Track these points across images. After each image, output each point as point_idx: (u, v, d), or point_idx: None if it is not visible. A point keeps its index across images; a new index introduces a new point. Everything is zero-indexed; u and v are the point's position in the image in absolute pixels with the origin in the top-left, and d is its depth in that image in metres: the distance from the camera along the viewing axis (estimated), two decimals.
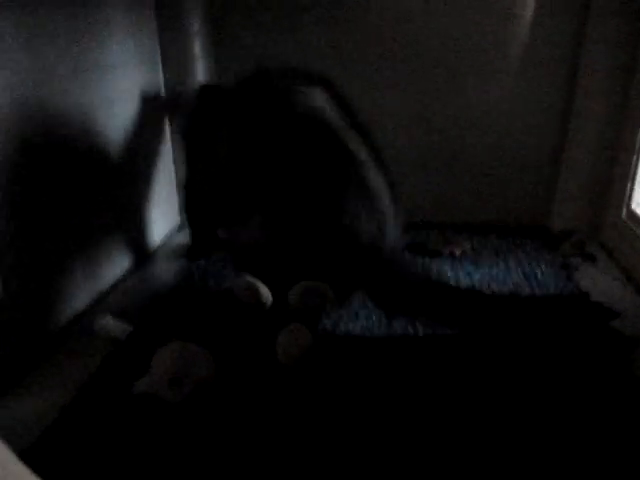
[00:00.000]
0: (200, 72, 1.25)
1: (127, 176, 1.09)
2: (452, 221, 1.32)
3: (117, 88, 1.04)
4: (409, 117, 1.28)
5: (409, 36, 1.22)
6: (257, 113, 0.92)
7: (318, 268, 0.87)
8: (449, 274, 1.09)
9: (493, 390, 0.74)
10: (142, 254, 1.15)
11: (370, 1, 1.20)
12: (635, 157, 1.12)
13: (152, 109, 1.18)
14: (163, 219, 1.27)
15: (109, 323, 0.71)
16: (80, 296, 0.88)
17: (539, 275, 1.07)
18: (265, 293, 0.75)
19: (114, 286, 1.00)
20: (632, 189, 1.14)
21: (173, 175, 1.31)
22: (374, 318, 0.91)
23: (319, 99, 0.91)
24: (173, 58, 1.23)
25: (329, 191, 0.87)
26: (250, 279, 0.75)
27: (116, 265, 1.03)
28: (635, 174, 1.13)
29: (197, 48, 1.23)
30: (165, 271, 1.10)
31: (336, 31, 1.22)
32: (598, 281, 1.05)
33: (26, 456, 0.38)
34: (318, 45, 1.22)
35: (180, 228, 1.32)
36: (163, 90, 1.23)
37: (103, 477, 0.58)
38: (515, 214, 1.32)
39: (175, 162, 1.30)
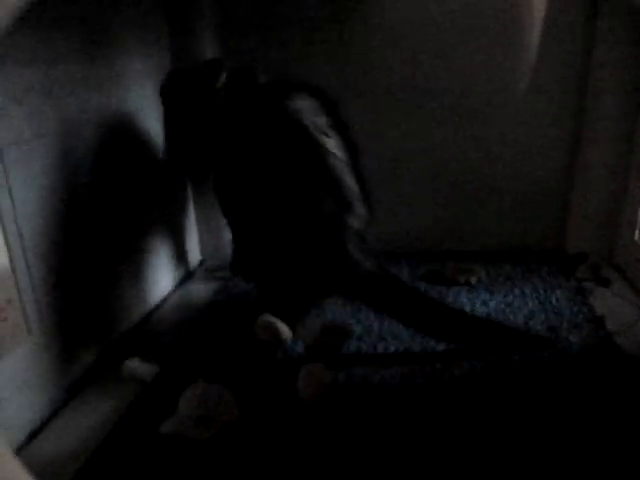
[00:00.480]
0: None
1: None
2: (467, 249, 1.34)
3: (139, 131, 1.09)
4: (421, 148, 1.30)
5: (416, 66, 1.24)
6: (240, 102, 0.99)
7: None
8: (465, 301, 1.10)
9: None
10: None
11: (378, 29, 1.23)
12: None
13: None
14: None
15: (136, 365, 0.75)
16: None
17: (554, 301, 1.08)
18: (284, 331, 0.77)
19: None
20: None
21: None
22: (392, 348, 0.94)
23: (300, 102, 0.96)
24: None
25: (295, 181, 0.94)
26: (269, 318, 0.78)
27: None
28: None
29: None
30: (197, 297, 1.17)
31: (344, 58, 1.25)
32: (613, 305, 1.06)
33: None
34: (324, 73, 1.25)
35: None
36: None
37: None
38: (530, 239, 1.34)
39: None
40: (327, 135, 0.96)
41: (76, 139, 0.88)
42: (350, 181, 0.97)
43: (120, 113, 1.03)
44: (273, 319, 0.77)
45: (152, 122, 1.14)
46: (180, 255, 1.27)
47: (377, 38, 1.24)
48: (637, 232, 1.16)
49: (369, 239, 1.00)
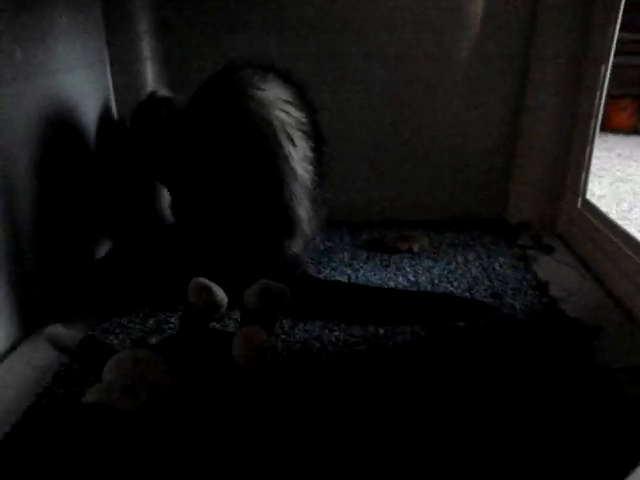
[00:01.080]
0: (149, 74, 1.20)
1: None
2: (409, 218, 1.30)
3: (64, 92, 0.99)
4: (360, 118, 1.25)
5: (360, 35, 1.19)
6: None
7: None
8: (408, 269, 1.07)
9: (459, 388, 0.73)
10: None
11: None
12: (589, 148, 1.12)
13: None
14: None
15: (59, 332, 0.67)
16: None
17: (497, 268, 1.06)
18: (220, 294, 0.71)
19: None
20: (586, 179, 1.14)
21: None
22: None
23: (268, 92, 0.89)
24: (122, 60, 1.17)
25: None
26: (203, 280, 0.71)
27: None
28: (589, 164, 1.13)
29: (146, 49, 1.19)
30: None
31: (287, 31, 1.19)
32: (557, 272, 1.05)
33: None
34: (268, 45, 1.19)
35: None
36: (112, 93, 1.18)
37: None
38: (471, 209, 1.31)
39: None
40: (293, 142, 0.90)
41: None
42: (302, 206, 0.93)
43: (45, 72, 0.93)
44: (208, 282, 0.71)
45: (79, 87, 1.04)
46: None
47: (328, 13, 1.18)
48: (580, 200, 1.15)
49: None
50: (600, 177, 1.78)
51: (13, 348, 0.83)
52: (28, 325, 0.87)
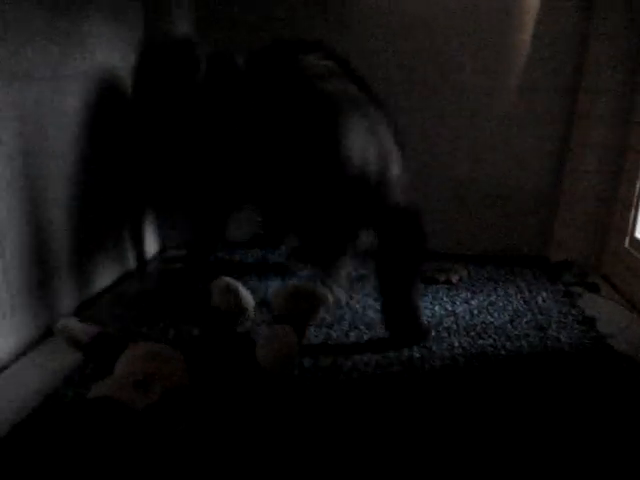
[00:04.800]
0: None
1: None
2: (449, 251, 1.25)
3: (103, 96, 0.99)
4: (410, 149, 1.23)
5: (411, 69, 1.19)
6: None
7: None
8: (445, 299, 1.02)
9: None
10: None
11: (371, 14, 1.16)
12: (638, 185, 1.08)
13: None
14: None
15: (73, 326, 0.64)
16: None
17: (540, 302, 1.01)
18: (246, 297, 0.67)
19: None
20: (636, 217, 1.09)
21: None
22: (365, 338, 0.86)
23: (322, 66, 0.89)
24: None
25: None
26: (228, 280, 0.67)
27: None
28: (638, 202, 1.09)
29: None
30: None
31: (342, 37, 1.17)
32: (603, 308, 0.99)
33: None
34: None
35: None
36: None
37: None
38: (512, 245, 1.27)
39: None
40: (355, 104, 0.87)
41: (27, 93, 0.78)
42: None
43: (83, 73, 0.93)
44: (233, 282, 0.67)
45: (119, 88, 1.04)
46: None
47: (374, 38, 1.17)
48: (627, 239, 1.10)
49: None
50: None
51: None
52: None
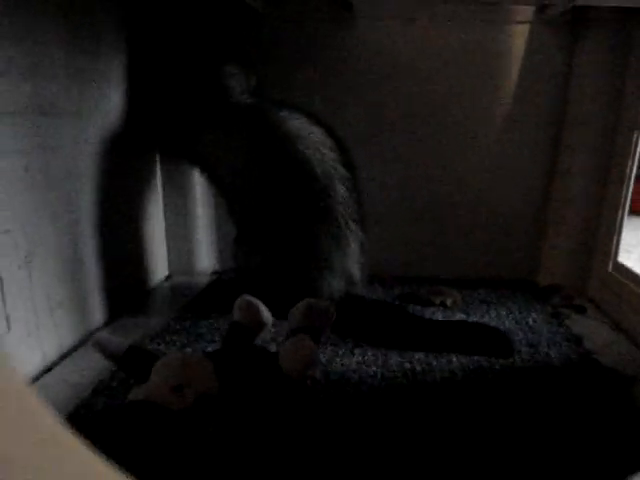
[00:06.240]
0: None
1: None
2: (440, 276, 1.32)
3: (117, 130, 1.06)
4: (399, 175, 1.30)
5: (398, 95, 1.26)
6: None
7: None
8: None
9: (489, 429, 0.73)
10: None
11: (360, 59, 1.24)
12: (621, 211, 1.15)
13: None
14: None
15: (107, 339, 0.69)
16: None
17: (531, 322, 1.07)
18: (265, 312, 0.73)
19: None
20: (618, 242, 1.16)
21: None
22: (369, 354, 0.91)
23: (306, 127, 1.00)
24: None
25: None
26: (250, 298, 0.74)
27: None
28: (621, 227, 1.16)
29: None
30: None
31: (328, 82, 1.26)
32: (590, 328, 1.06)
33: None
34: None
35: None
36: None
37: None
38: (502, 269, 1.34)
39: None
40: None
41: (52, 122, 0.84)
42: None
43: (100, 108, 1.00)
44: (254, 299, 0.73)
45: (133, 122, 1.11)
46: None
47: (363, 70, 1.25)
48: (611, 263, 1.17)
49: None
50: (629, 252, 1.80)
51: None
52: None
